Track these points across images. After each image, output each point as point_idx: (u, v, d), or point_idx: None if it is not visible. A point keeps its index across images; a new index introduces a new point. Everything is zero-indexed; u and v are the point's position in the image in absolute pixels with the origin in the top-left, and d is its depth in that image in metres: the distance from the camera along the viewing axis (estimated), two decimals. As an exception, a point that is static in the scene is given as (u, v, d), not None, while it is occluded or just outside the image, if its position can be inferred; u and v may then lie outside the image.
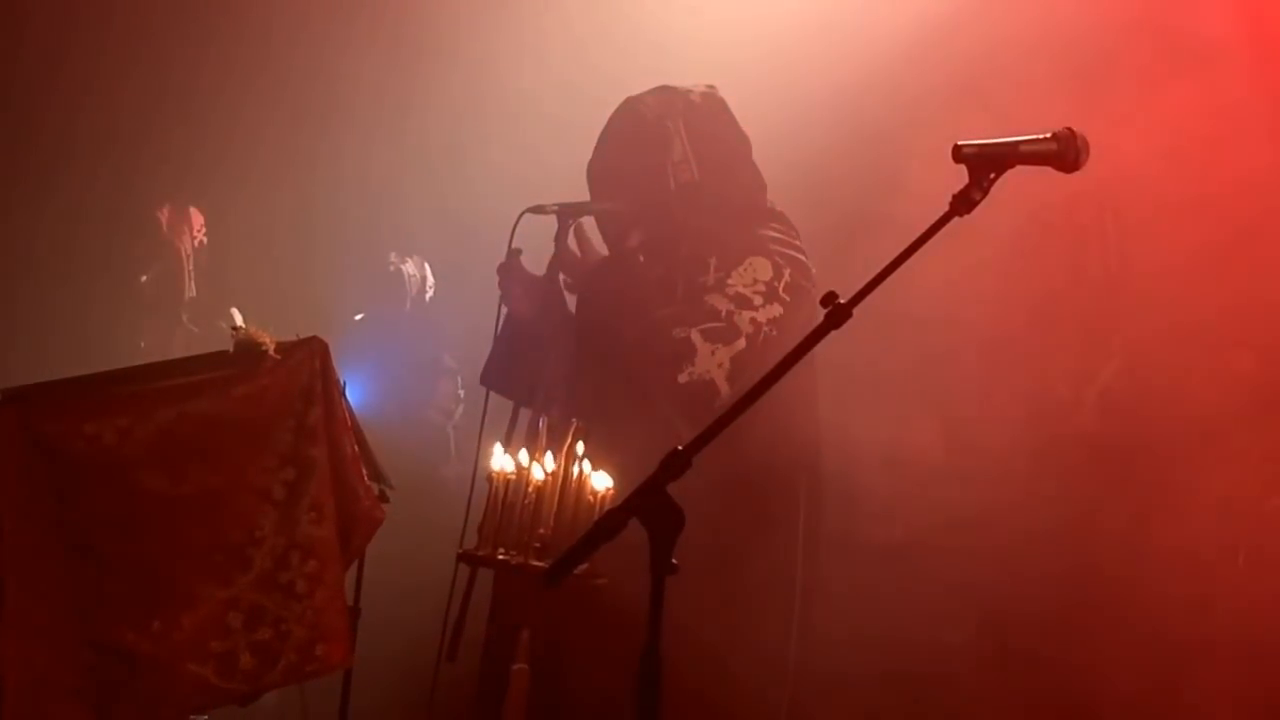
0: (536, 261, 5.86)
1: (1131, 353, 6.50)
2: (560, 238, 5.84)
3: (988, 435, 6.51)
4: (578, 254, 5.82)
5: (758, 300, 5.54)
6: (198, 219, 8.83)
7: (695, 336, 5.48)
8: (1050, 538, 6.19)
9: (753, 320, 5.51)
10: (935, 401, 6.79)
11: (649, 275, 5.68)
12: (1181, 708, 5.86)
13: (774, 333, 5.49)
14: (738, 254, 5.63)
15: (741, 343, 5.47)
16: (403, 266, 8.95)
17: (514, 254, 5.80)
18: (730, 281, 5.56)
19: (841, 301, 3.44)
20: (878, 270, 3.48)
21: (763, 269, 5.60)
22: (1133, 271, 6.59)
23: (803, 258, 5.71)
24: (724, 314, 5.50)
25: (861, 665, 6.13)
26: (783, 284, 5.58)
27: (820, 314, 3.50)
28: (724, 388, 5.43)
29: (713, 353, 5.46)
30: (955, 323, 6.46)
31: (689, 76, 6.05)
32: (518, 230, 5.81)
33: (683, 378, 5.44)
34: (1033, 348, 6.48)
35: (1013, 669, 6.15)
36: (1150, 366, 6.39)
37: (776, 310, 5.54)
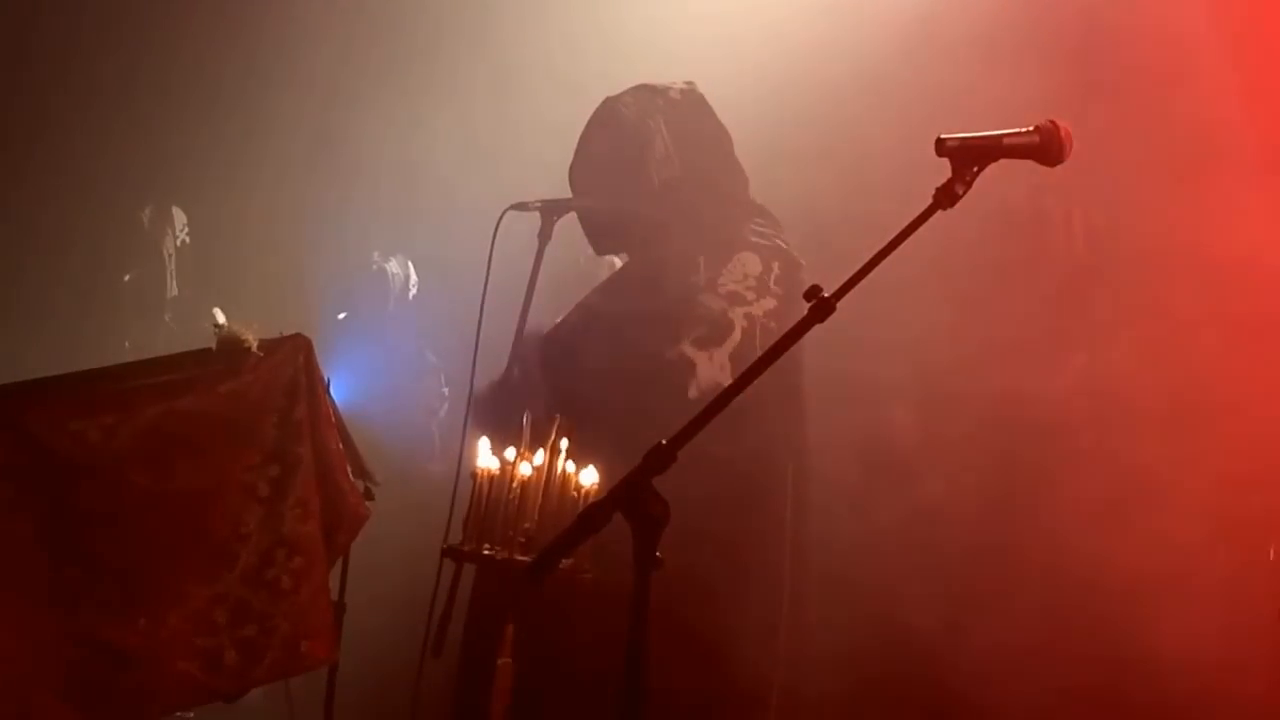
0: (519, 258, 5.87)
1: (1101, 342, 6.52)
2: (544, 235, 5.85)
3: (961, 426, 6.53)
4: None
5: (750, 295, 5.56)
6: (180, 218, 8.83)
7: (688, 349, 5.50)
8: (1026, 527, 6.20)
9: (747, 315, 5.53)
10: (907, 393, 6.81)
11: (630, 308, 5.69)
12: (1162, 700, 5.88)
13: (772, 324, 5.51)
14: (725, 251, 5.65)
15: (736, 336, 5.50)
16: (386, 265, 8.95)
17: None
18: (721, 280, 5.59)
19: (825, 295, 3.44)
20: (861, 264, 3.48)
21: (752, 264, 5.62)
22: (1100, 260, 6.61)
23: (788, 250, 5.73)
24: (717, 312, 5.53)
25: (847, 660, 6.16)
26: (773, 277, 5.61)
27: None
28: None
29: (710, 358, 5.47)
30: (924, 315, 6.48)
31: (672, 74, 6.06)
32: (500, 228, 5.83)
33: (693, 393, 5.46)
34: (1002, 338, 6.49)
35: (989, 655, 6.16)
36: (1122, 356, 6.41)
37: (770, 303, 5.56)
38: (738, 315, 5.53)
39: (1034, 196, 6.59)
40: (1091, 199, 6.51)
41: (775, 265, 5.62)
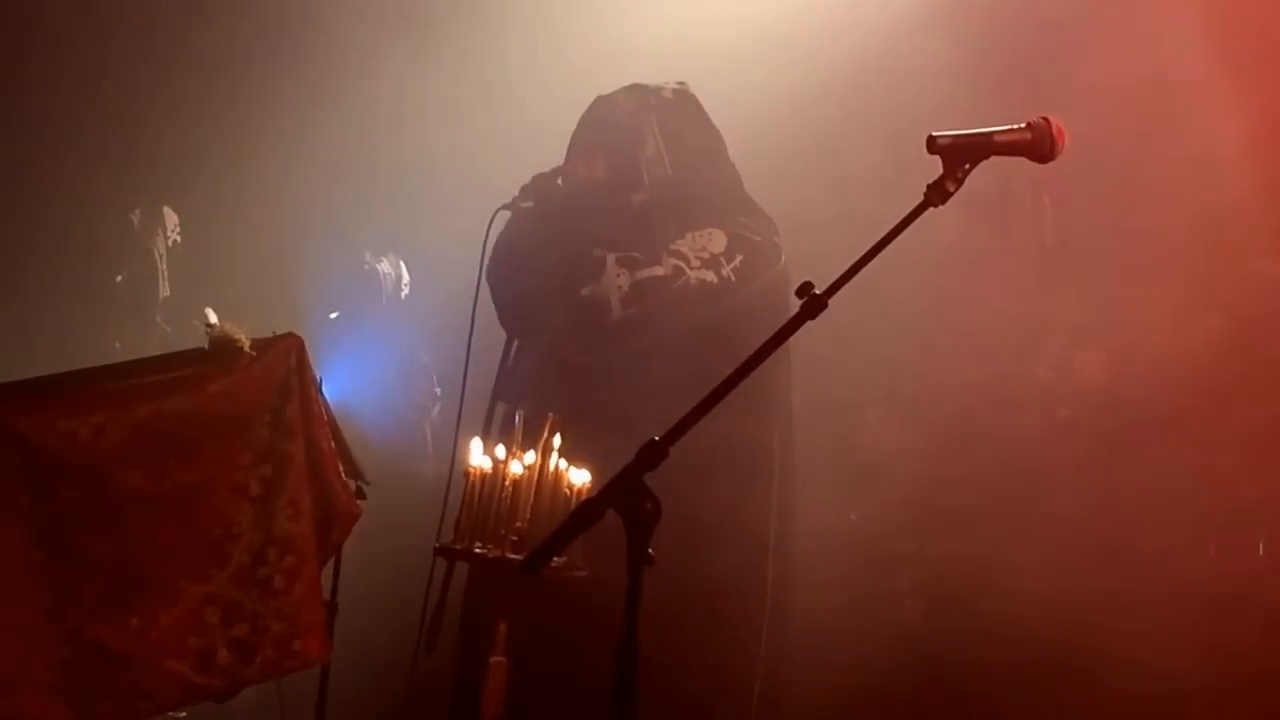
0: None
1: (1076, 326, 6.53)
2: (532, 234, 5.87)
3: (938, 415, 6.54)
4: None
5: (695, 262, 5.59)
6: (171, 218, 8.81)
7: (610, 259, 5.56)
8: (1004, 518, 6.21)
9: (677, 267, 5.57)
10: (883, 383, 6.82)
11: (602, 201, 5.74)
12: (1148, 696, 5.89)
13: (695, 292, 5.54)
14: (698, 225, 5.68)
15: (656, 270, 5.54)
16: (378, 265, 8.95)
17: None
18: (678, 244, 5.62)
19: (817, 292, 3.44)
20: (854, 261, 3.47)
21: (717, 241, 5.66)
22: (1071, 246, 6.62)
23: (770, 250, 5.72)
24: (651, 248, 5.57)
25: (829, 650, 6.17)
26: (731, 264, 5.62)
27: (784, 304, 3.50)
28: (615, 309, 5.51)
29: (618, 275, 5.53)
30: (898, 306, 6.49)
31: (664, 75, 6.06)
32: (491, 227, 5.85)
33: (585, 291, 5.53)
34: (977, 325, 6.50)
35: (969, 647, 6.18)
36: (1100, 341, 6.43)
37: (709, 278, 5.59)
38: (667, 263, 5.57)
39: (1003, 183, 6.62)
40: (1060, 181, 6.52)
41: (739, 256, 5.64)
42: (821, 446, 6.43)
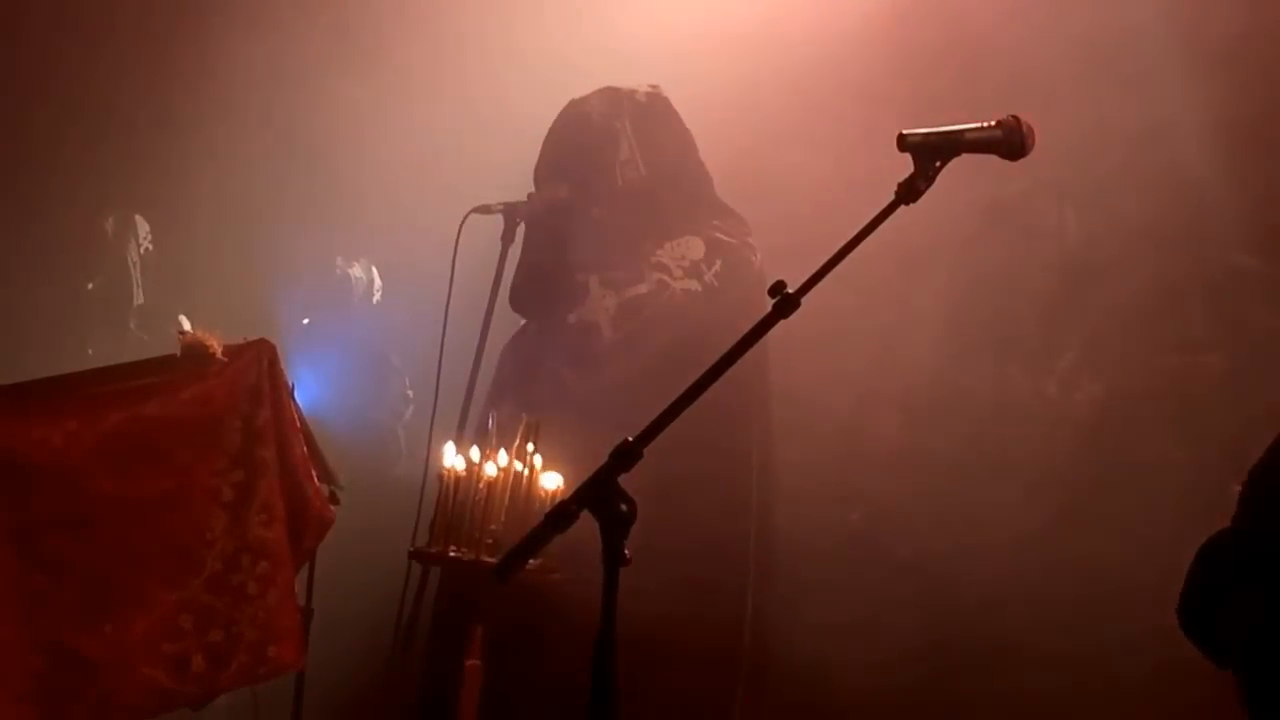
0: (483, 260, 5.87)
1: (1091, 344, 6.53)
2: (506, 237, 5.86)
3: (948, 423, 6.54)
4: None
5: (677, 272, 5.60)
6: (143, 226, 8.80)
7: (593, 281, 5.58)
8: (1011, 524, 6.21)
9: (661, 281, 5.58)
10: (894, 390, 6.81)
11: (575, 223, 5.75)
12: (1141, 697, 5.90)
13: (681, 301, 5.55)
14: (675, 234, 5.68)
15: (640, 289, 5.55)
16: (349, 270, 8.93)
17: None
18: (659, 253, 5.63)
19: (790, 291, 3.43)
20: (826, 259, 3.46)
21: (694, 249, 5.67)
22: (1094, 264, 6.62)
23: (746, 251, 5.73)
24: (632, 264, 5.58)
25: (818, 651, 6.16)
26: (712, 269, 5.64)
27: (765, 305, 3.48)
28: (607, 332, 5.52)
29: (603, 297, 5.55)
30: (913, 311, 6.49)
31: (637, 77, 6.06)
32: (463, 231, 5.84)
33: (571, 318, 5.54)
34: (991, 336, 6.50)
35: (964, 655, 6.17)
36: (1112, 360, 6.43)
37: (693, 286, 5.61)
38: (650, 277, 5.58)
39: (1026, 193, 6.61)
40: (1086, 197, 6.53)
41: (719, 261, 5.66)
42: (827, 448, 6.43)
